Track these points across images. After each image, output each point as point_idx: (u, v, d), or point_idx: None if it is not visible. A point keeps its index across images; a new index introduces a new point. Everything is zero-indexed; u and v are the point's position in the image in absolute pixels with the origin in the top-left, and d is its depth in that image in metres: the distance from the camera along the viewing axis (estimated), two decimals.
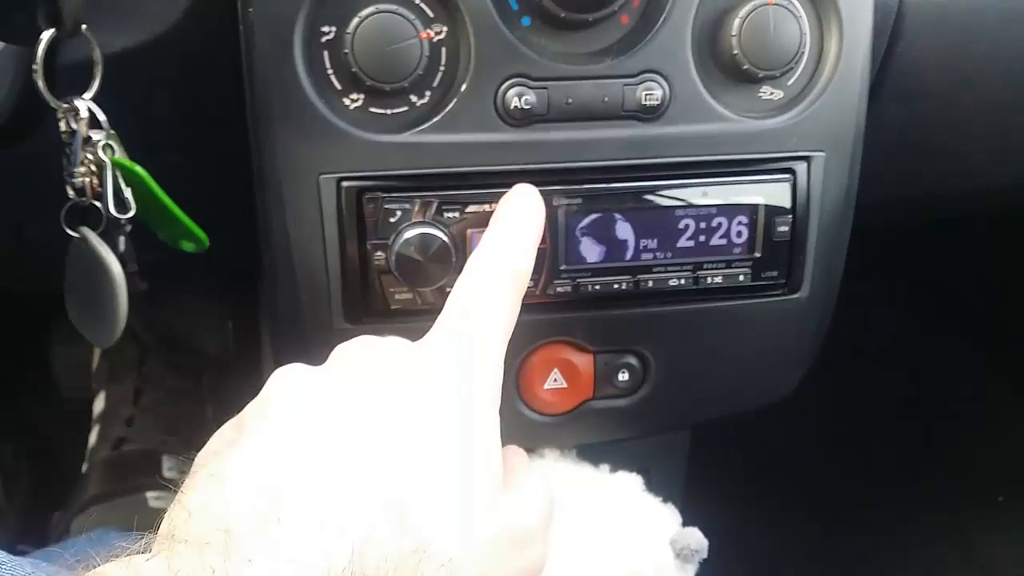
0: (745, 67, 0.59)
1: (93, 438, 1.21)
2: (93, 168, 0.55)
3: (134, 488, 1.11)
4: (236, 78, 0.58)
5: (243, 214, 0.64)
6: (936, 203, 0.82)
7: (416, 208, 0.58)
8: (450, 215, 0.58)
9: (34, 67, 0.53)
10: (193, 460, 0.45)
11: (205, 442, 0.46)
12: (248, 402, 0.46)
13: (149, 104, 0.62)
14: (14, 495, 1.25)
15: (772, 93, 0.62)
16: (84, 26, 0.53)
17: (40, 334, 1.32)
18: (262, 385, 0.46)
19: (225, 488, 0.39)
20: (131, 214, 0.56)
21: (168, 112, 0.63)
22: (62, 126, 0.55)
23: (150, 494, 1.10)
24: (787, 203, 0.63)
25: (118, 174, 0.55)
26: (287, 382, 0.45)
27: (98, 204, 0.56)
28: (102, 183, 0.55)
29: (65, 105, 0.54)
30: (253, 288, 1.09)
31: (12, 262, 0.79)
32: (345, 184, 0.58)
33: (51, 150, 0.56)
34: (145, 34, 0.57)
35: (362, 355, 0.47)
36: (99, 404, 1.24)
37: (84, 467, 1.19)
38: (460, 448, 0.43)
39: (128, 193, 0.56)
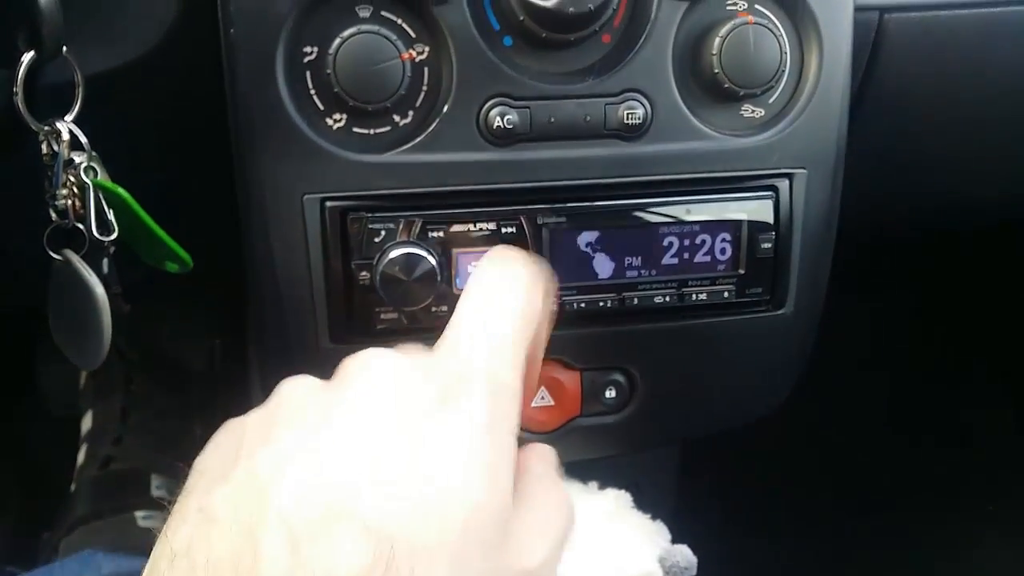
0: (726, 85, 0.59)
1: (81, 457, 1.20)
2: (75, 190, 0.55)
3: (122, 507, 1.10)
4: (219, 99, 0.58)
5: (227, 233, 0.63)
6: (920, 217, 0.83)
7: (400, 228, 0.58)
8: (435, 234, 0.59)
9: (14, 90, 0.52)
10: (185, 474, 0.43)
11: (193, 461, 0.44)
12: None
13: (131, 125, 0.62)
14: (2, 515, 1.24)
15: (753, 111, 0.62)
16: (64, 48, 0.53)
17: (26, 352, 1.32)
18: (249, 401, 0.45)
19: (212, 529, 0.37)
20: (114, 236, 0.56)
21: (151, 133, 0.63)
22: (43, 148, 0.54)
23: (139, 514, 1.09)
24: (770, 220, 0.63)
25: (100, 196, 0.55)
26: (294, 400, 0.42)
27: (81, 226, 0.56)
28: (84, 205, 0.55)
29: (46, 127, 0.54)
30: (239, 304, 1.09)
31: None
32: (329, 204, 0.58)
33: (33, 170, 0.56)
34: (127, 55, 0.57)
35: (374, 377, 0.43)
36: (86, 423, 1.24)
37: (72, 487, 1.18)
38: (467, 487, 0.39)
39: (111, 215, 0.56)
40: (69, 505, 1.14)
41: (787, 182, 0.63)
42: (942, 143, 0.74)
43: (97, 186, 0.55)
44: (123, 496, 1.12)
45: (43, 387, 1.31)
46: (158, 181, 0.61)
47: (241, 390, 1.09)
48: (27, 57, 0.52)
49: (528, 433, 0.67)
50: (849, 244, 0.69)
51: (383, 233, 0.58)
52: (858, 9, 0.62)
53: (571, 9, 0.55)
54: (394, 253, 0.58)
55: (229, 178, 0.59)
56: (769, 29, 0.59)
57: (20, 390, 1.31)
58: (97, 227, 0.55)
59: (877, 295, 1.31)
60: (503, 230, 0.59)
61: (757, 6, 0.60)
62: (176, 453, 1.19)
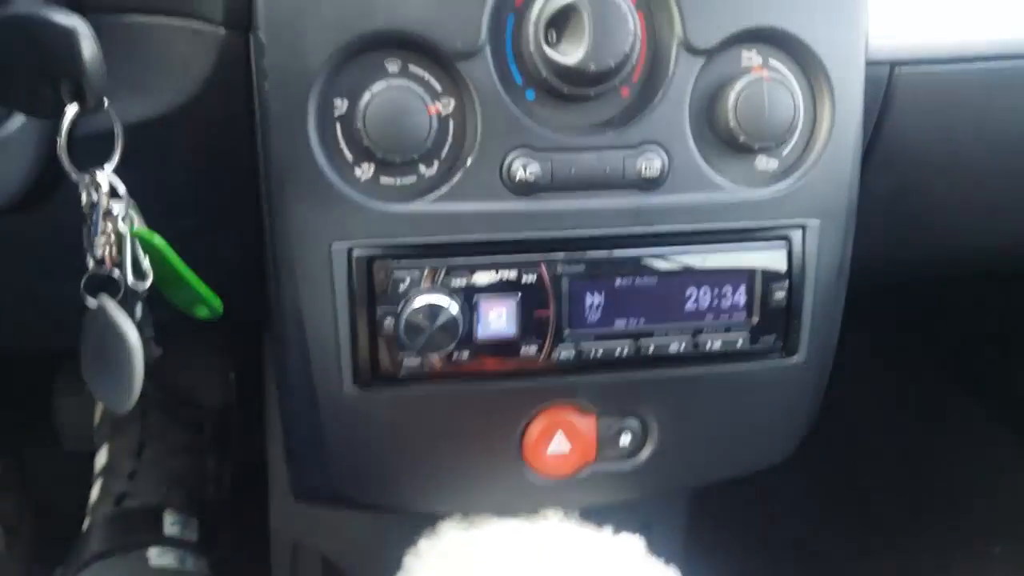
0: (741, 139, 0.61)
1: (95, 493, 1.21)
2: (113, 238, 0.56)
3: (136, 544, 1.11)
4: (251, 148, 0.59)
5: (249, 276, 0.65)
6: (927, 266, 0.84)
7: (424, 275, 0.60)
8: (457, 282, 0.60)
9: (58, 141, 0.54)
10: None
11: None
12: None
13: (166, 172, 0.64)
14: (16, 549, 1.25)
15: (768, 163, 0.64)
16: (107, 102, 0.54)
17: (43, 387, 1.33)
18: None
19: None
20: (149, 282, 0.57)
21: (183, 180, 0.65)
22: (83, 198, 0.56)
23: (152, 551, 1.10)
24: (783, 269, 0.64)
25: (137, 244, 0.57)
26: None
27: (117, 272, 0.57)
28: (121, 253, 0.56)
29: (87, 178, 0.55)
30: (255, 341, 1.10)
31: (24, 323, 0.80)
32: (356, 252, 0.59)
33: (65, 213, 0.58)
34: (163, 106, 0.59)
35: None
36: (101, 458, 1.24)
37: (86, 523, 1.18)
38: None
39: (146, 262, 0.57)
40: (83, 541, 1.15)
41: (800, 232, 0.64)
42: (949, 195, 0.75)
43: (135, 235, 0.56)
44: (136, 533, 1.12)
45: (59, 421, 1.32)
46: (189, 225, 0.62)
47: (256, 427, 1.10)
48: (71, 110, 0.53)
49: (544, 478, 0.68)
50: (858, 290, 0.70)
51: (407, 280, 0.60)
52: (870, 63, 0.64)
53: (593, 67, 0.57)
54: (418, 301, 0.59)
55: (259, 224, 0.61)
56: (783, 84, 0.61)
57: (36, 424, 1.32)
58: (133, 274, 0.56)
59: (885, 338, 1.31)
60: (524, 279, 0.61)
61: (772, 61, 0.62)
62: (190, 488, 1.20)
